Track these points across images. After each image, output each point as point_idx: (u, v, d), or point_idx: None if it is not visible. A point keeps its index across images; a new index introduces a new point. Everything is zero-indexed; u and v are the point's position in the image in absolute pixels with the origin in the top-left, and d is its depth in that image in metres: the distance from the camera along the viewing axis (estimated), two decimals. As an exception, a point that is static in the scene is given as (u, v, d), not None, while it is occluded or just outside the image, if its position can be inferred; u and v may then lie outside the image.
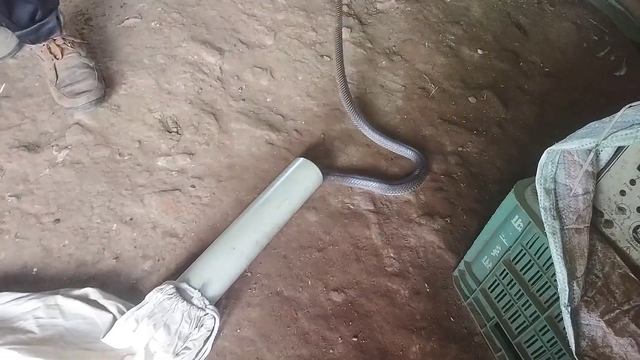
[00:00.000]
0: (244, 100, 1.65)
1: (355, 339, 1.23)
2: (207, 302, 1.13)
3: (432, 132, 1.71)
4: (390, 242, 1.42)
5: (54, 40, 1.46)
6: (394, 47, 1.96)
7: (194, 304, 1.11)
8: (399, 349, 1.24)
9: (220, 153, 1.50)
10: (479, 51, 2.04)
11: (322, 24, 1.93)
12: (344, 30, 1.92)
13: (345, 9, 2.03)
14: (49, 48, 1.46)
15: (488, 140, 1.73)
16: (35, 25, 1.39)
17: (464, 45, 2.04)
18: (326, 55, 1.84)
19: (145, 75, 1.61)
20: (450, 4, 2.21)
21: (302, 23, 1.92)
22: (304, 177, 1.38)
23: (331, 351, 1.21)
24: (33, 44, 1.45)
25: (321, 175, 1.40)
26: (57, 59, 1.46)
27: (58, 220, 1.28)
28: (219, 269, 1.19)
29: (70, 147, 1.41)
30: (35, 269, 1.20)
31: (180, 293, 1.11)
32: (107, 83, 1.54)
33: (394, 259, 1.39)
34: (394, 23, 2.05)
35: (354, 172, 1.54)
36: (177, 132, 1.52)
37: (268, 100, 1.68)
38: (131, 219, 1.32)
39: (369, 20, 2.04)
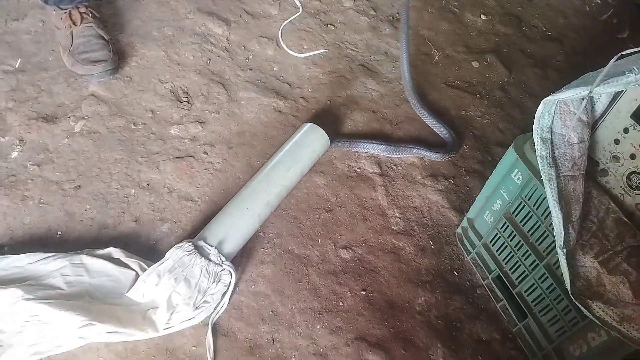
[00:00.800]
0: (251, 69, 1.69)
1: (363, 292, 1.30)
2: (223, 259, 1.19)
3: (435, 96, 1.75)
4: (395, 203, 1.48)
5: (77, 7, 1.51)
6: (397, 15, 1.98)
7: (211, 260, 1.18)
8: (405, 301, 1.31)
9: (230, 121, 1.55)
10: (482, 16, 2.06)
11: (325, -7, 1.95)
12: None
13: (348, -23, 2.05)
14: (70, 14, 1.51)
15: (491, 104, 1.77)
16: None
17: (467, 11, 2.06)
18: (330, 24, 1.87)
19: (155, 47, 1.65)
20: (452, -30, 2.21)
21: (305, -7, 1.95)
22: (311, 140, 1.43)
23: (341, 304, 1.27)
24: (58, 5, 1.50)
25: (328, 138, 1.45)
26: (75, 26, 1.51)
27: (79, 186, 1.34)
28: (233, 227, 1.25)
29: (86, 117, 1.46)
30: (59, 232, 1.27)
31: (199, 250, 1.18)
32: (119, 55, 1.59)
33: (400, 218, 1.45)
34: (397, -10, 2.06)
35: (361, 137, 1.59)
36: (187, 102, 1.57)
37: (275, 69, 1.72)
38: (148, 184, 1.38)
39: (372, -11, 2.06)
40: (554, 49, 2.01)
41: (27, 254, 1.16)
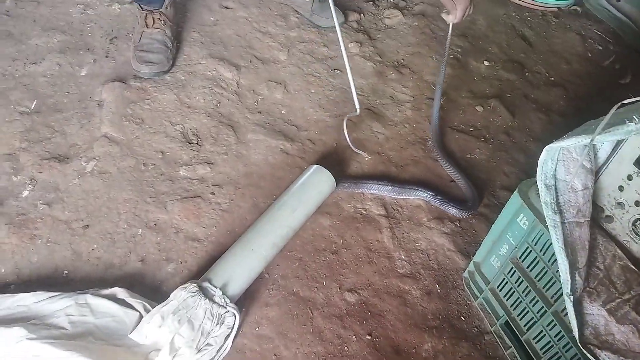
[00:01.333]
0: (259, 112, 1.73)
1: (369, 337, 1.28)
2: (227, 300, 1.19)
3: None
4: (401, 245, 1.48)
5: (154, 12, 1.70)
6: (402, 60, 2.03)
7: (215, 302, 1.17)
8: (411, 346, 1.29)
9: (238, 162, 1.58)
10: (485, 62, 2.11)
11: (333, 40, 2.01)
12: (353, 45, 2.01)
13: (354, 25, 2.12)
14: (146, 17, 1.69)
15: (495, 147, 1.79)
16: None
17: (470, 57, 2.11)
18: (337, 69, 1.92)
19: (167, 91, 1.70)
20: (456, 18, 2.28)
21: (313, 39, 2.01)
22: (317, 182, 1.45)
23: (346, 348, 1.25)
24: (140, 5, 1.71)
25: (334, 180, 1.47)
26: (147, 28, 1.70)
27: (87, 226, 1.36)
28: (238, 269, 1.25)
29: (97, 158, 1.49)
30: (66, 272, 1.28)
31: (203, 291, 1.18)
32: (173, 63, 1.78)
33: (405, 261, 1.44)
34: (402, 37, 2.13)
35: (366, 178, 1.60)
36: (197, 143, 1.60)
37: (282, 112, 1.76)
38: (155, 224, 1.40)
39: (378, 35, 2.12)
40: (557, 94, 2.05)
41: (33, 292, 1.16)
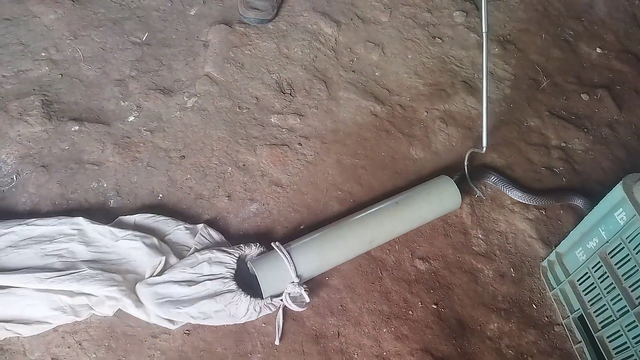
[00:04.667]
0: (353, 71, 1.73)
1: (434, 306, 1.29)
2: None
3: (537, 123, 1.69)
4: (480, 224, 1.45)
5: None
6: (508, 36, 1.94)
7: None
8: (477, 323, 1.28)
9: (327, 118, 1.60)
10: (598, 49, 1.96)
11: (437, 6, 1.95)
12: (458, 13, 1.94)
13: (462, -6, 2.03)
14: None
15: (596, 140, 1.68)
16: None
17: (582, 42, 1.97)
18: (438, 37, 1.87)
19: (268, 39, 1.74)
20: (573, -2, 2.13)
21: (418, 3, 1.96)
22: (445, 201, 1.39)
23: (410, 313, 1.27)
24: None
25: (459, 204, 1.42)
26: None
27: (183, 156, 1.44)
28: (323, 257, 1.24)
29: (198, 95, 1.57)
30: (160, 195, 1.37)
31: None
32: (277, 12, 1.79)
33: (482, 240, 1.42)
34: (512, 12, 2.02)
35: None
36: (290, 94, 1.64)
37: (376, 74, 1.74)
38: (244, 164, 1.46)
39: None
40: (674, 92, 1.88)
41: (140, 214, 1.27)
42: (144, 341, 1.15)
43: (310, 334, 1.21)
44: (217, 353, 1.16)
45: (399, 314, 1.26)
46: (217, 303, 1.13)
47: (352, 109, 1.63)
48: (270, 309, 1.17)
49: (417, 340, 1.23)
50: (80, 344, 1.15)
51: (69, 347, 1.14)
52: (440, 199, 1.38)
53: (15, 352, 1.13)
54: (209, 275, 1.17)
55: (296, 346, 1.19)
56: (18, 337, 1.12)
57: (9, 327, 1.09)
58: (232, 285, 1.16)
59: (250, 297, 1.15)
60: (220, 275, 1.17)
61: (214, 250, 1.20)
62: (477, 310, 1.30)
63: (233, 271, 1.18)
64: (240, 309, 1.14)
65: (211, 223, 1.33)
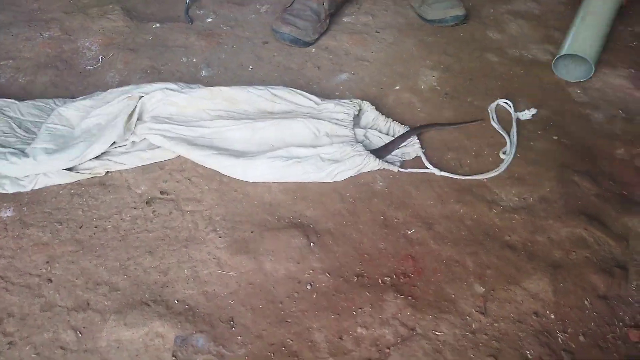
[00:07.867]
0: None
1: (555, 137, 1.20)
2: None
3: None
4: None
5: None
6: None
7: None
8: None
9: (399, 16, 1.60)
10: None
11: None
12: None
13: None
14: None
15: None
16: None
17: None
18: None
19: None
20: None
21: None
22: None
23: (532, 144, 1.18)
24: None
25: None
26: None
27: (267, 42, 1.43)
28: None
29: (271, 3, 1.59)
30: (250, 67, 1.34)
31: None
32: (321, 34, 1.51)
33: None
34: None
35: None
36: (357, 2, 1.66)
37: None
38: (326, 47, 1.44)
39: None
40: None
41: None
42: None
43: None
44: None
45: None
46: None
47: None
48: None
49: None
50: (190, 180, 1.06)
51: (177, 182, 1.05)
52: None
53: (119, 186, 1.03)
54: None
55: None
56: (121, 172, 1.04)
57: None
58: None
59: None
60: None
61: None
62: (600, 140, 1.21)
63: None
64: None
65: (303, 88, 1.28)
